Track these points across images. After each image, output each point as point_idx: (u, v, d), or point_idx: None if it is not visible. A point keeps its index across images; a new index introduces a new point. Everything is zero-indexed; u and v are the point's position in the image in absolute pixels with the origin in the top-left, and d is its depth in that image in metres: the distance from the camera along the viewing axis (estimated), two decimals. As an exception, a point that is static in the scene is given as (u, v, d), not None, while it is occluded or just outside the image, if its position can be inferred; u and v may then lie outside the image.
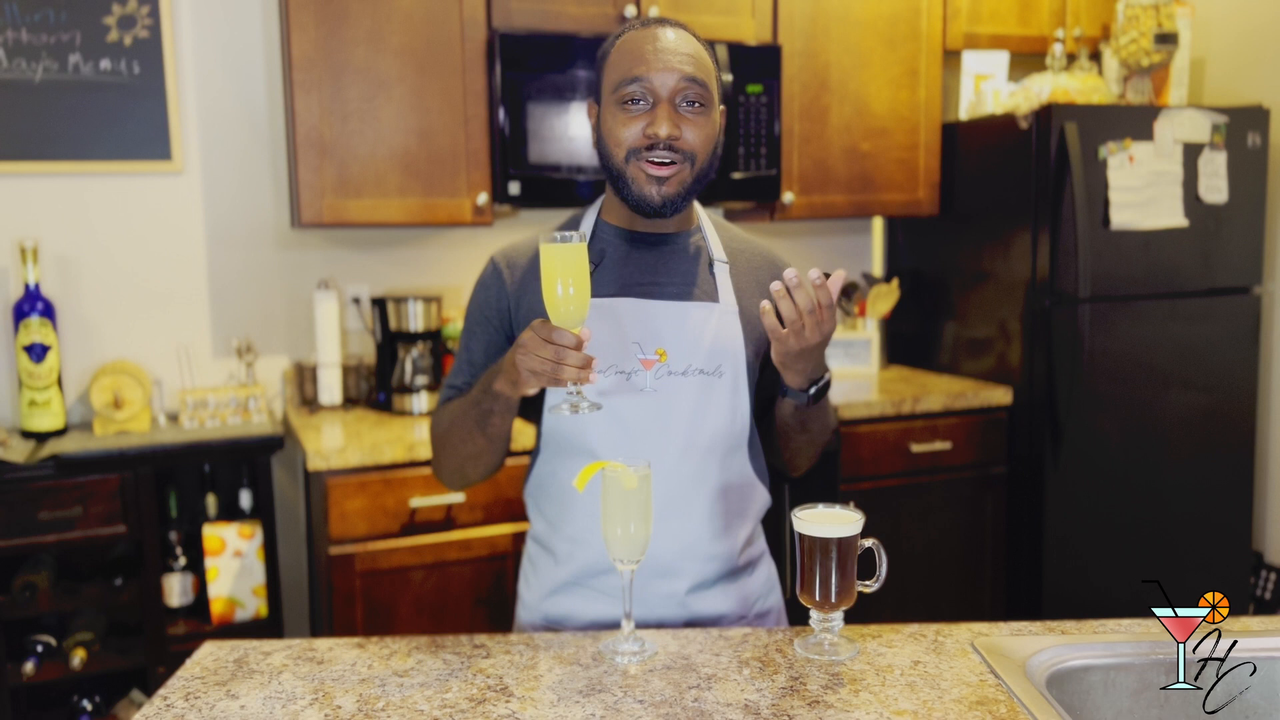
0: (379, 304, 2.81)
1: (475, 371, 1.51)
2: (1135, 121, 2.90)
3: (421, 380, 2.77)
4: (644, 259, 1.47)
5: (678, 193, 1.40)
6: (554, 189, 2.70)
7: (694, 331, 1.42)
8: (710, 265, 1.48)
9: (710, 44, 1.47)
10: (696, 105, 1.39)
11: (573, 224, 1.53)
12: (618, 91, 1.39)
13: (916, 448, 2.92)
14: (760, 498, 1.54)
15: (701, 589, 1.47)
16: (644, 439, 1.41)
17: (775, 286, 1.26)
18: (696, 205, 1.54)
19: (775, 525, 2.75)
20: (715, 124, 1.43)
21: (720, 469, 1.45)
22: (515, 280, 1.49)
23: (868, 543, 1.29)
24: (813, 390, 1.39)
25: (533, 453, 1.55)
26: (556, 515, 1.49)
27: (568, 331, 1.25)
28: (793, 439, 1.51)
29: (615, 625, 1.47)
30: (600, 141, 1.44)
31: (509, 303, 1.49)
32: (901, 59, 3.13)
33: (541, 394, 1.48)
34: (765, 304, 1.29)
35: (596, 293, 1.45)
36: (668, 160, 1.38)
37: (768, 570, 1.59)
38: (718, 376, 1.43)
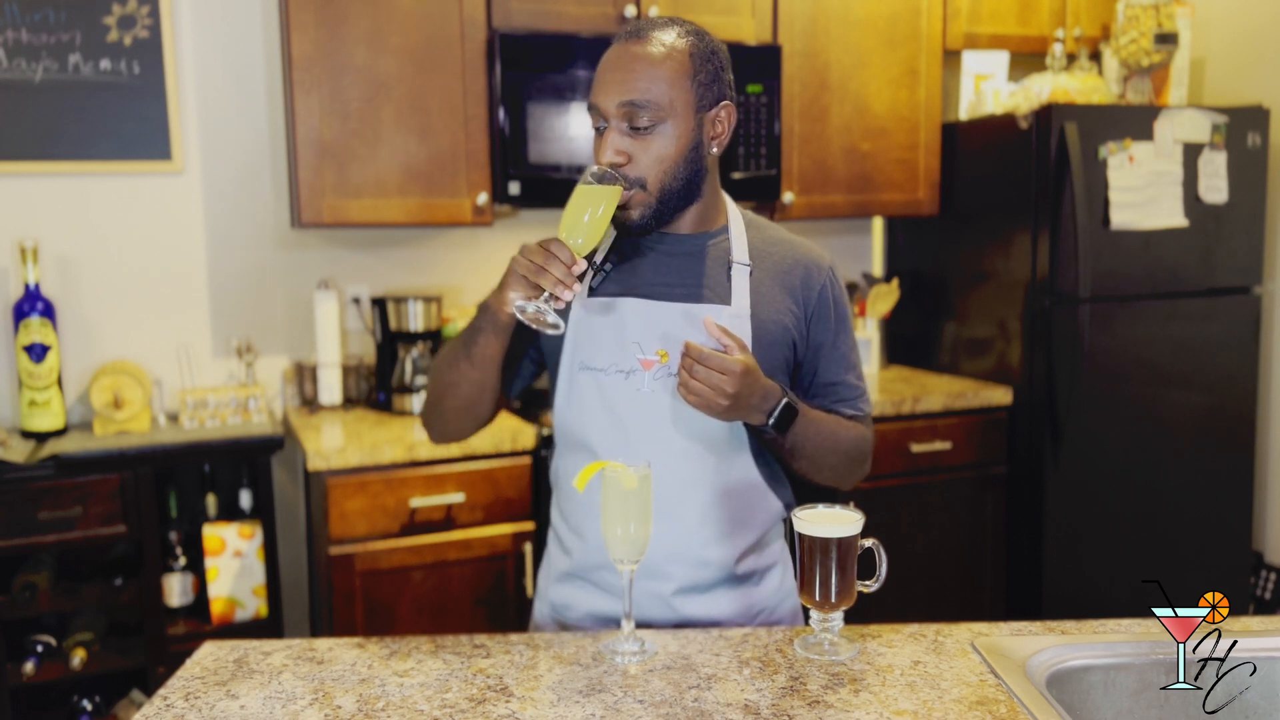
0: (379, 304, 2.81)
1: None
2: (1135, 121, 2.90)
3: (421, 380, 2.77)
4: (660, 261, 1.46)
5: (642, 215, 1.39)
6: (554, 189, 2.70)
7: (697, 334, 1.41)
8: (729, 267, 1.46)
9: (700, 40, 1.41)
10: (646, 125, 1.36)
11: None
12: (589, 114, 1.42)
13: (916, 448, 2.92)
14: (769, 506, 1.51)
15: (692, 593, 1.46)
16: (641, 440, 1.41)
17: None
18: (729, 204, 1.51)
19: (775, 525, 2.75)
20: (675, 138, 1.38)
21: (717, 474, 1.44)
22: None
23: (868, 543, 1.29)
24: (770, 422, 1.37)
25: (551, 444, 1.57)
26: (564, 508, 1.52)
27: (566, 248, 1.29)
28: (795, 463, 1.48)
29: (609, 619, 1.47)
30: None
31: None
32: (901, 59, 3.12)
33: (553, 387, 1.49)
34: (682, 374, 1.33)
35: (604, 292, 1.45)
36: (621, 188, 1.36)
37: (779, 580, 1.55)
38: None
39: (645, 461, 1.28)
